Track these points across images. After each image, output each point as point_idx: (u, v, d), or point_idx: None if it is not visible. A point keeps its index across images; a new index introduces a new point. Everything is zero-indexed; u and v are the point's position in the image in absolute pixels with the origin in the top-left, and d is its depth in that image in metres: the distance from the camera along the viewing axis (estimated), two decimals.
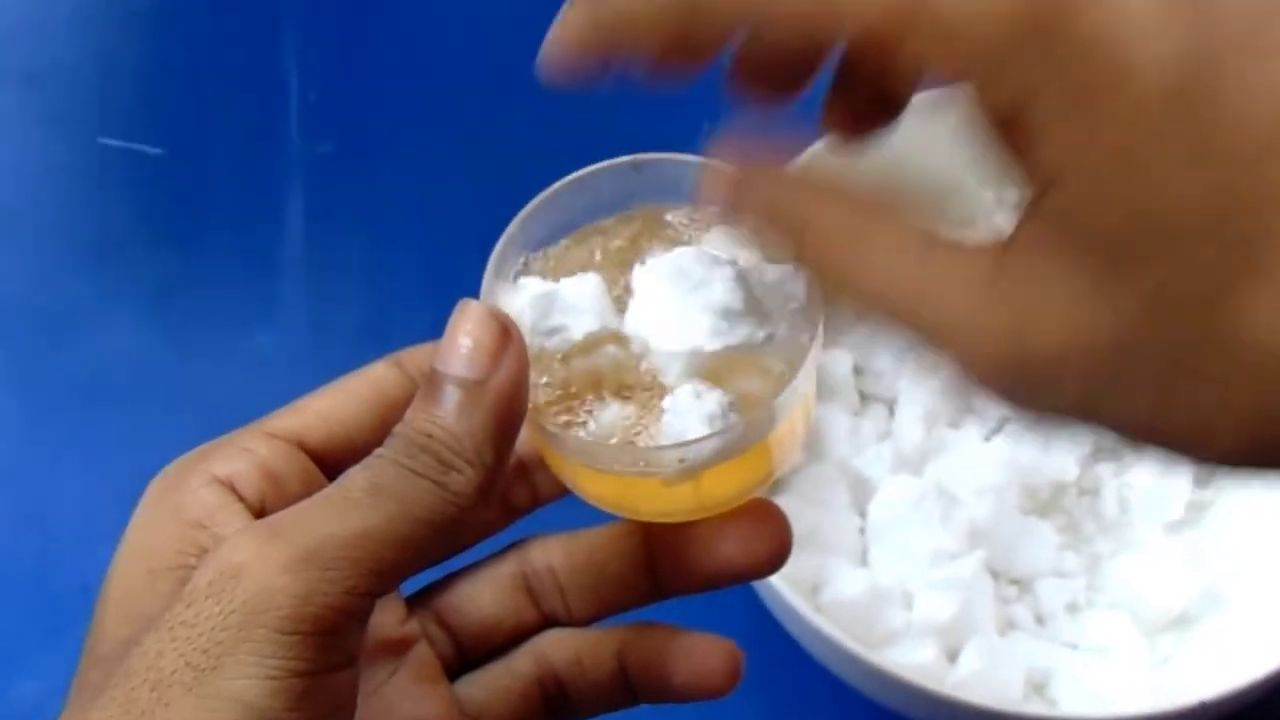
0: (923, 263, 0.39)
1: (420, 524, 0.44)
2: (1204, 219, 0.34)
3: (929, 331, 0.39)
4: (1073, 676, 0.81)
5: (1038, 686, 0.81)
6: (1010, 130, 0.38)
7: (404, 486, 0.44)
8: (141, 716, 0.41)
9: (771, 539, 0.52)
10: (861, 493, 0.85)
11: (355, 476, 0.44)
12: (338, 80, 1.07)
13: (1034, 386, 0.37)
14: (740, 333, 0.47)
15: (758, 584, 0.76)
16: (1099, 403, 0.37)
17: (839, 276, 0.41)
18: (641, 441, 0.48)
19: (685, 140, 0.50)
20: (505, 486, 0.54)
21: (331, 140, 1.04)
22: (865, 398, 0.89)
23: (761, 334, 0.48)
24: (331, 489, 0.44)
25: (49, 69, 1.09)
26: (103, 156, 1.05)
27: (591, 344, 0.49)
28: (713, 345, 0.47)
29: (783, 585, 0.73)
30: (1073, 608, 0.84)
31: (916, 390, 0.86)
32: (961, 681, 0.78)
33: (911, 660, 0.79)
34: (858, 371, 0.88)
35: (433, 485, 0.44)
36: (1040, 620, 0.83)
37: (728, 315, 0.47)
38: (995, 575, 0.84)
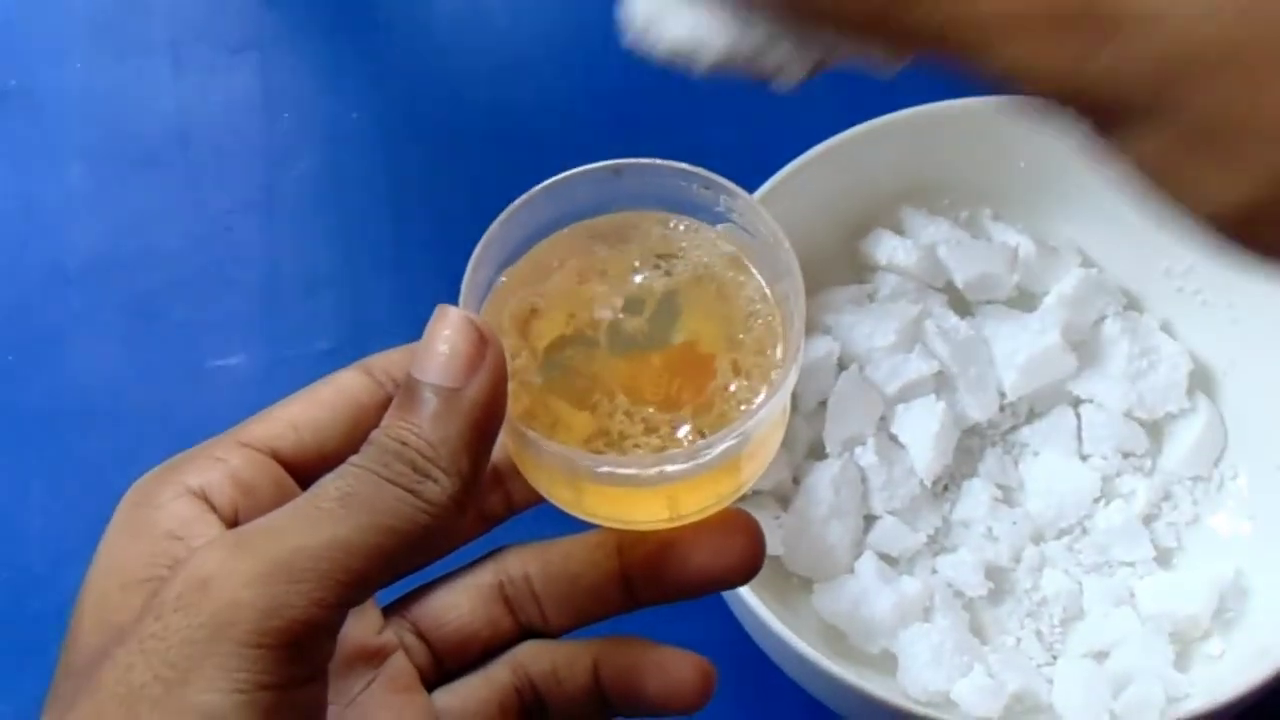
0: None
1: (393, 534, 0.43)
2: None
3: None
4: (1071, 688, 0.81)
5: (1029, 704, 0.81)
6: None
7: (377, 495, 0.44)
8: None
9: (744, 548, 0.52)
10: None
11: (327, 485, 0.44)
12: (308, 99, 1.07)
13: (1106, 43, 0.33)
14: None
15: (729, 597, 0.76)
16: (1178, 73, 0.33)
17: None
18: (616, 451, 0.48)
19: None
20: (480, 494, 0.54)
21: (303, 158, 1.04)
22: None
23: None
24: (302, 499, 0.44)
25: (16, 91, 1.09)
26: (68, 177, 1.05)
27: (563, 344, 0.49)
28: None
29: (752, 599, 0.73)
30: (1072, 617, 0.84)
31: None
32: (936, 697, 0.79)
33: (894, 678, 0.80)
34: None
35: (407, 494, 0.44)
36: (1040, 634, 0.84)
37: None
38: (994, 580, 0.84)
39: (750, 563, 0.52)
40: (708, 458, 0.47)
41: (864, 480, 0.85)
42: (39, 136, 1.07)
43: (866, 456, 0.85)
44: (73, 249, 1.02)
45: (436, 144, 1.06)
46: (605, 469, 0.48)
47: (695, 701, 0.53)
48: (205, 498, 0.48)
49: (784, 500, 0.85)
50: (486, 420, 0.45)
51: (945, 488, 0.87)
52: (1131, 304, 0.91)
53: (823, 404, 0.86)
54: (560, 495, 0.51)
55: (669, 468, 0.47)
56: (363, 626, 0.52)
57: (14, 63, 1.10)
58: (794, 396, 0.82)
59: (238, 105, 1.07)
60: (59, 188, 1.05)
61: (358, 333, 0.98)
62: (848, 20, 0.38)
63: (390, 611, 0.54)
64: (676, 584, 0.53)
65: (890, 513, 0.84)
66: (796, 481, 0.85)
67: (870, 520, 0.85)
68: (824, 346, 0.87)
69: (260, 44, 1.09)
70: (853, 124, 0.87)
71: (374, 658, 0.52)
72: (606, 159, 0.51)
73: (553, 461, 0.48)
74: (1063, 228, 0.92)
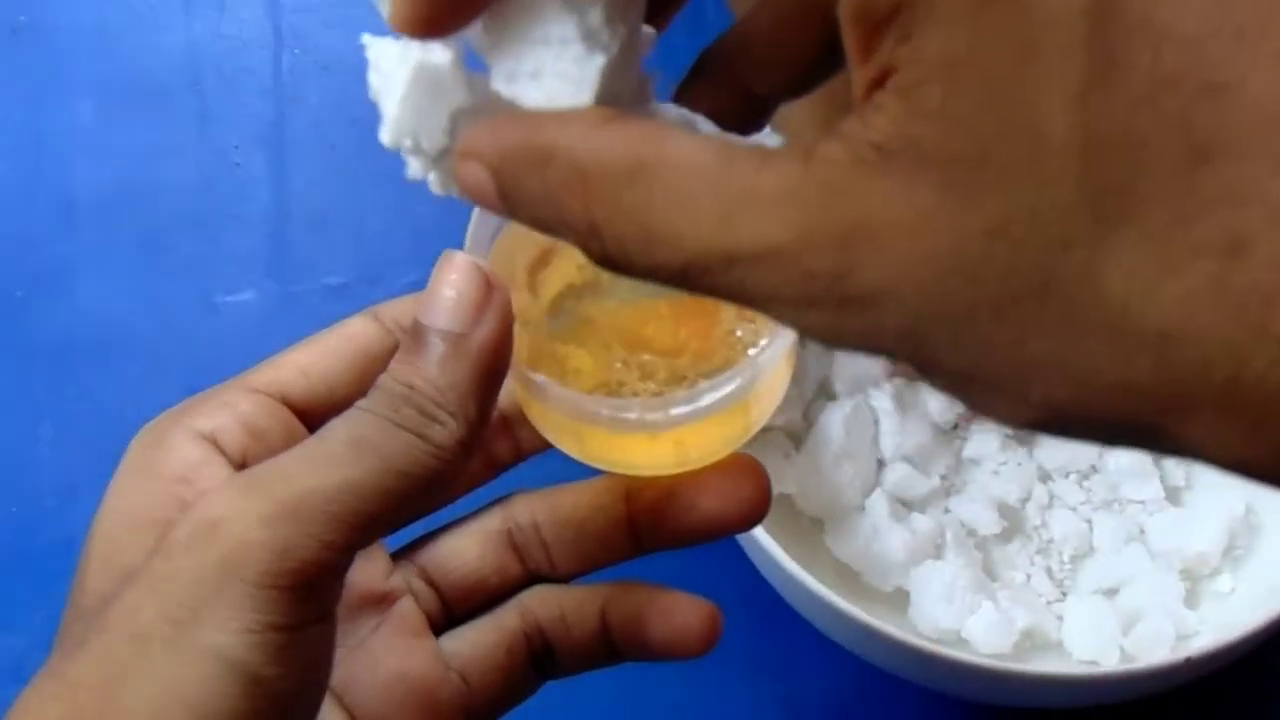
0: (720, 188, 0.35)
1: (401, 477, 0.44)
2: (1074, 154, 0.31)
3: (738, 270, 0.35)
4: (1081, 625, 0.81)
5: (1039, 641, 0.81)
6: (865, 27, 0.34)
7: (385, 439, 0.44)
8: (120, 670, 0.41)
9: (751, 493, 0.52)
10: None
11: (336, 429, 0.45)
12: (317, 37, 1.06)
13: (853, 316, 0.34)
14: None
15: (742, 538, 0.76)
16: (921, 338, 0.33)
17: (637, 259, 0.36)
18: (622, 394, 0.48)
19: None
20: (488, 440, 0.54)
21: (311, 94, 1.04)
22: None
23: None
24: (311, 441, 0.45)
25: (27, 26, 1.08)
26: (77, 112, 1.04)
27: (572, 291, 0.49)
28: None
29: (765, 538, 0.73)
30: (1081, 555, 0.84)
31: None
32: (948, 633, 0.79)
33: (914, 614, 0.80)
34: None
35: (414, 438, 0.44)
36: (1049, 571, 0.84)
37: None
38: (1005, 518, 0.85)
39: (757, 508, 0.53)
40: (712, 400, 0.47)
41: (876, 422, 0.85)
42: (49, 71, 1.07)
43: (880, 400, 0.85)
44: (82, 184, 1.02)
45: None
46: (611, 413, 0.48)
47: (701, 647, 0.53)
48: (214, 441, 0.48)
49: (796, 439, 0.85)
50: (493, 365, 0.45)
51: (955, 425, 0.86)
52: None
53: None
54: (567, 441, 0.51)
55: (674, 411, 0.47)
56: (371, 571, 0.52)
57: None
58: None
59: (247, 40, 1.07)
60: (68, 123, 1.04)
61: (367, 268, 0.98)
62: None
63: (398, 557, 0.54)
64: (683, 529, 0.53)
65: (904, 458, 0.84)
66: (808, 421, 0.85)
67: (882, 465, 0.85)
68: None
69: None
70: None
71: (382, 602, 0.52)
72: None
73: (559, 406, 0.49)
74: None
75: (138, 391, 0.93)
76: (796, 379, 0.85)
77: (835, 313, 0.34)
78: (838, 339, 0.35)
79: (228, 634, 0.41)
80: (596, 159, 0.36)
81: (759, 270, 0.34)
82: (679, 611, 0.53)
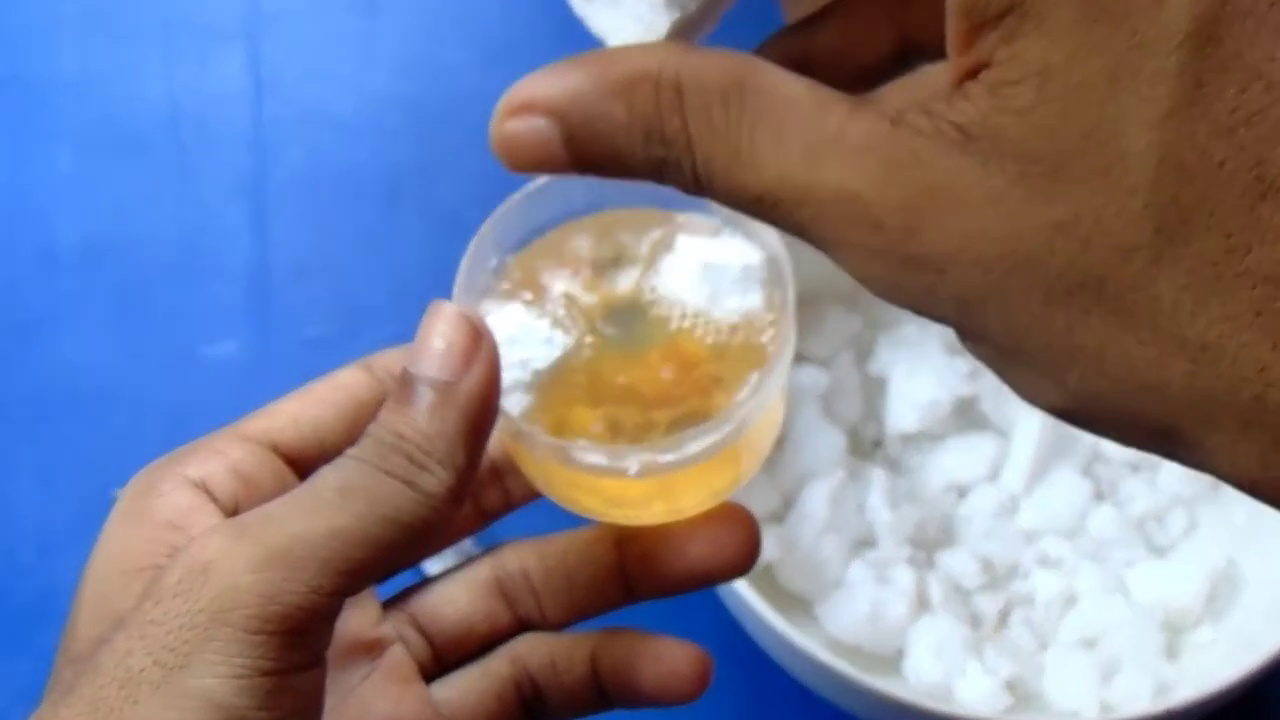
0: (809, 125, 0.37)
1: (390, 524, 0.44)
2: (1149, 171, 0.33)
3: (811, 207, 0.36)
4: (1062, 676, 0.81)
5: (1020, 692, 0.82)
6: (972, 21, 0.35)
7: (374, 487, 0.44)
8: (110, 715, 0.41)
9: (741, 541, 0.53)
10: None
11: (326, 476, 0.45)
12: (297, 90, 1.07)
13: (913, 275, 0.36)
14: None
15: (733, 604, 0.76)
16: (973, 308, 0.36)
17: (720, 178, 0.38)
18: (612, 443, 0.48)
19: None
20: (477, 490, 0.54)
21: (291, 146, 1.04)
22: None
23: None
24: (301, 489, 0.45)
25: (7, 78, 1.09)
26: (58, 162, 1.05)
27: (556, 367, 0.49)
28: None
29: (746, 592, 0.73)
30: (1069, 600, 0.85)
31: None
32: (936, 689, 0.79)
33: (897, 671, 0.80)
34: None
35: (403, 486, 0.44)
36: (1030, 622, 0.84)
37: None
38: (985, 571, 0.85)
39: (746, 555, 0.53)
40: (700, 448, 0.48)
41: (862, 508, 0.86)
42: (29, 122, 1.07)
43: (873, 470, 0.86)
44: (62, 234, 1.02)
45: (427, 131, 1.06)
46: (600, 461, 0.48)
47: (691, 691, 0.53)
48: (206, 489, 0.48)
49: (776, 518, 0.86)
50: (481, 413, 0.46)
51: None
52: None
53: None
54: (557, 490, 0.52)
55: (663, 459, 0.48)
56: (361, 619, 0.52)
57: (4, 48, 1.10)
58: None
59: (228, 92, 1.07)
60: (49, 173, 1.05)
61: (348, 320, 0.98)
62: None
63: (389, 606, 0.54)
64: (673, 577, 0.53)
65: (893, 525, 0.85)
66: (787, 499, 0.86)
67: (869, 536, 0.86)
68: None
69: (250, 31, 1.09)
70: None
71: (372, 650, 0.52)
72: None
73: (548, 455, 0.49)
74: None
75: (118, 443, 0.93)
76: (772, 470, 0.86)
77: (897, 268, 0.36)
78: (894, 294, 0.37)
79: (217, 678, 0.41)
80: (696, 76, 0.37)
81: (832, 211, 0.36)
82: (669, 656, 0.53)
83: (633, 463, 0.48)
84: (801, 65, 0.42)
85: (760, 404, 0.48)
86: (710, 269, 0.50)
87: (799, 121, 0.36)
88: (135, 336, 0.98)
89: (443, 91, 1.08)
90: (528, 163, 0.39)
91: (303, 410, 0.51)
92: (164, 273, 1.00)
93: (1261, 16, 0.32)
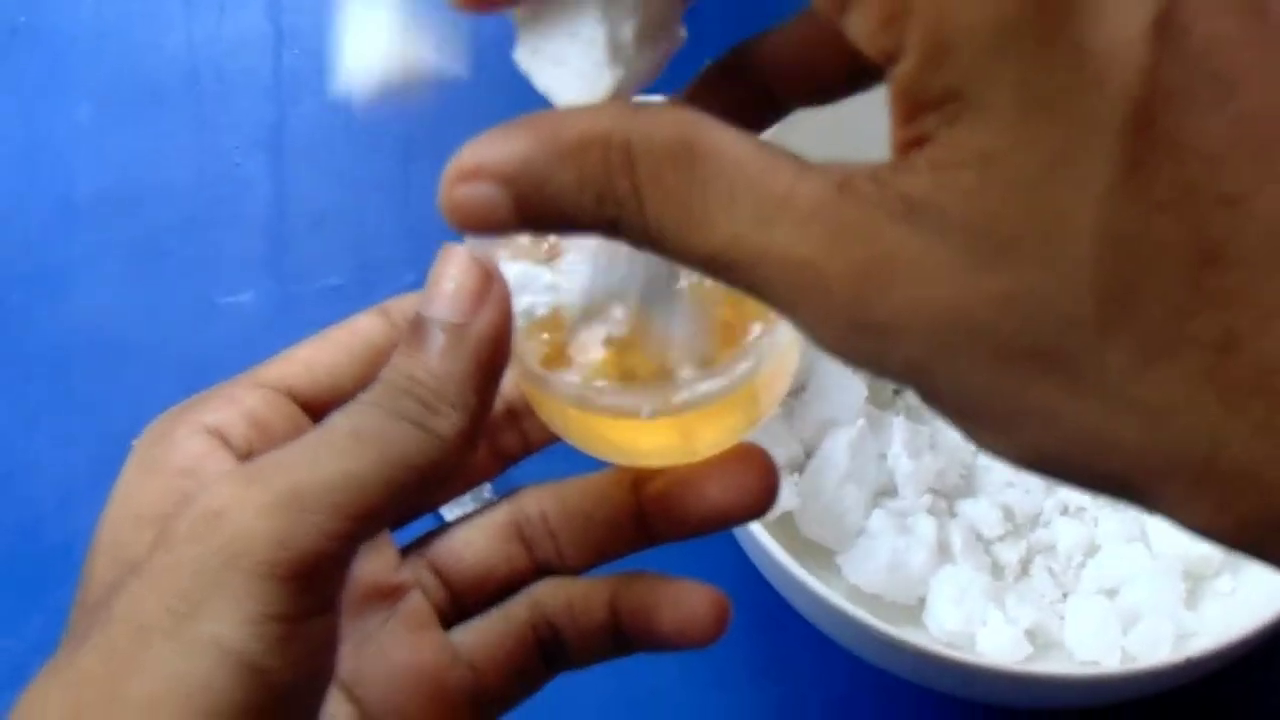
0: (758, 188, 0.37)
1: (402, 468, 0.44)
2: (1092, 247, 0.34)
3: (763, 269, 0.37)
4: (1083, 624, 0.81)
5: (1041, 641, 0.82)
6: (913, 102, 0.35)
7: (386, 430, 0.44)
8: (122, 661, 0.41)
9: (758, 481, 0.53)
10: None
11: (338, 420, 0.45)
12: (316, 38, 1.07)
13: (864, 340, 0.36)
14: None
15: (754, 553, 0.76)
16: (925, 371, 0.36)
17: (672, 238, 0.38)
18: (626, 385, 0.48)
19: None
20: (494, 433, 0.54)
21: (311, 96, 1.04)
22: None
23: None
24: (313, 434, 0.45)
25: (25, 28, 1.08)
26: (76, 113, 1.05)
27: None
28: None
29: (767, 540, 0.73)
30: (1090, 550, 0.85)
31: None
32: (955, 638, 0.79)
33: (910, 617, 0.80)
34: None
35: (415, 429, 0.44)
36: (1052, 571, 0.84)
37: None
38: (1007, 519, 0.85)
39: (764, 495, 0.53)
40: (716, 386, 0.48)
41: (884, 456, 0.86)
42: (48, 73, 1.07)
43: (894, 418, 0.86)
44: (81, 186, 1.02)
45: (445, 81, 1.06)
46: (616, 401, 0.48)
47: (710, 634, 0.53)
48: (220, 435, 0.49)
49: (797, 467, 0.86)
50: (493, 354, 0.46)
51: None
52: None
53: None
54: (574, 432, 0.51)
55: (678, 397, 0.47)
56: (379, 565, 0.53)
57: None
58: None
59: (247, 42, 1.07)
60: (67, 124, 1.05)
61: (366, 268, 0.98)
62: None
63: (407, 551, 0.54)
64: (691, 519, 0.53)
65: (913, 474, 0.85)
66: (807, 449, 0.86)
67: (890, 484, 0.86)
68: None
69: None
70: None
71: (391, 596, 0.53)
72: None
73: (564, 397, 0.49)
74: None
75: (137, 394, 0.93)
76: (792, 419, 0.85)
77: (847, 332, 0.36)
78: (847, 356, 0.37)
79: (228, 624, 0.41)
80: (645, 138, 0.38)
81: (784, 275, 0.36)
82: (688, 599, 0.53)
83: (646, 404, 0.47)
84: (768, 70, 0.45)
85: (773, 344, 0.48)
86: None
87: (748, 183, 0.36)
88: (154, 286, 0.98)
89: (461, 41, 1.08)
90: (477, 226, 0.40)
91: (318, 356, 0.51)
92: (182, 223, 1.00)
93: (1192, 94, 0.33)
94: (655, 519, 0.53)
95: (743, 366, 0.48)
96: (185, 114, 1.04)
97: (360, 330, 0.52)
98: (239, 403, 0.49)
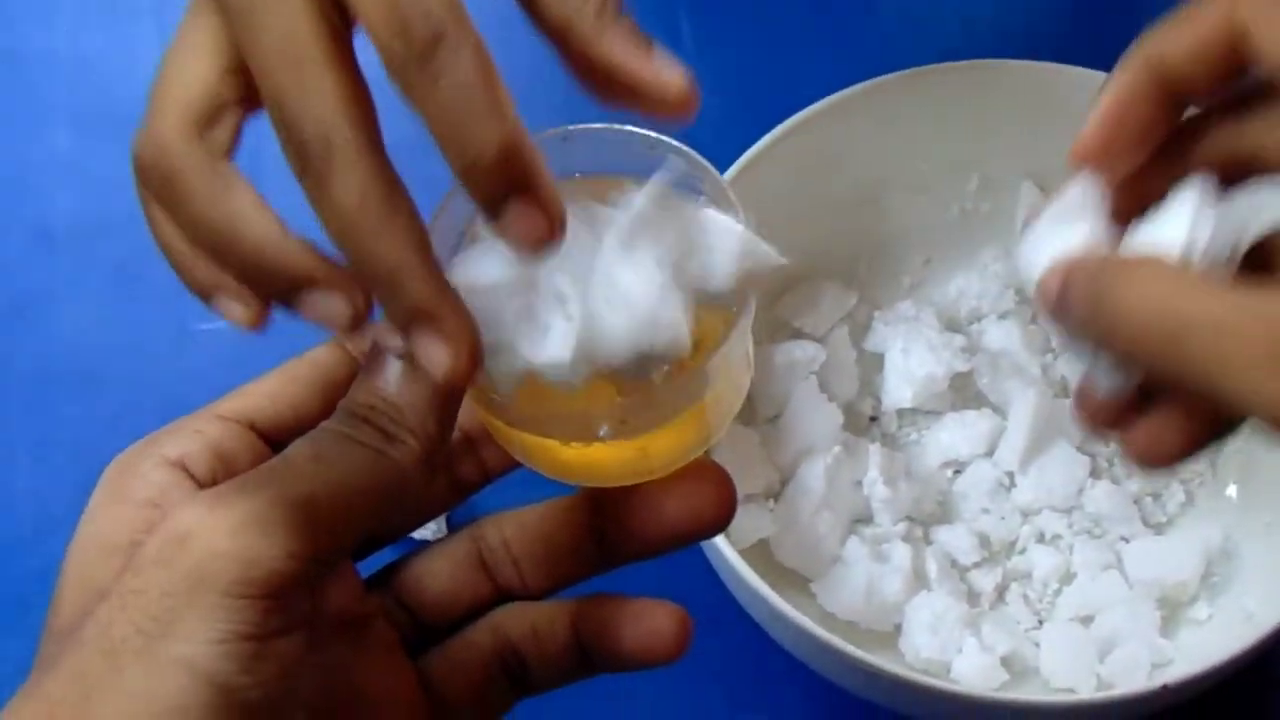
0: (1191, 294, 0.43)
1: (363, 492, 0.45)
2: None
3: (1209, 370, 0.42)
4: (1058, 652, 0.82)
5: (1017, 668, 0.82)
6: None
7: (346, 455, 0.45)
8: (93, 684, 0.42)
9: (714, 496, 0.53)
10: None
11: (300, 447, 0.46)
12: None
13: None
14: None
15: (721, 569, 0.76)
16: None
17: (1108, 313, 0.45)
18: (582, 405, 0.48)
19: None
20: (453, 462, 0.54)
21: None
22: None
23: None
24: (275, 459, 0.46)
25: (1, 55, 1.09)
26: (53, 140, 1.05)
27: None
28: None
29: (742, 567, 0.73)
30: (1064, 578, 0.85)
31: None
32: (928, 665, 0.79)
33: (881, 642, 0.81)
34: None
35: (375, 455, 0.45)
36: (1027, 599, 0.84)
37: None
38: (983, 546, 0.85)
39: (722, 510, 0.53)
40: (664, 408, 0.48)
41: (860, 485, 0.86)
42: (25, 99, 1.07)
43: (869, 446, 0.87)
44: (58, 212, 1.02)
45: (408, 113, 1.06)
46: (567, 422, 0.49)
47: (673, 650, 0.53)
48: (183, 466, 0.49)
49: (772, 495, 0.86)
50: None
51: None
52: None
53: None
54: (532, 456, 0.52)
55: (629, 420, 0.48)
56: (345, 595, 0.53)
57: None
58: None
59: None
60: (44, 151, 1.05)
61: None
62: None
63: (373, 582, 0.55)
64: (650, 537, 0.54)
65: (888, 500, 0.85)
66: (783, 476, 0.86)
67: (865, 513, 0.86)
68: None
69: None
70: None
71: (357, 625, 0.53)
72: (595, 118, 0.51)
73: (518, 420, 0.49)
74: None
75: (114, 419, 0.93)
76: (769, 446, 0.86)
77: None
78: None
79: (197, 644, 0.42)
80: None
81: None
82: (649, 616, 0.53)
83: (600, 425, 0.48)
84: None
85: (721, 361, 0.49)
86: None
87: None
88: (131, 314, 0.98)
89: None
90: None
91: (279, 388, 0.52)
92: (160, 250, 1.00)
93: None
94: (615, 539, 0.54)
95: (691, 386, 0.48)
96: None
97: (318, 361, 0.53)
98: (202, 435, 0.50)
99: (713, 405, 0.51)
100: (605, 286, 0.47)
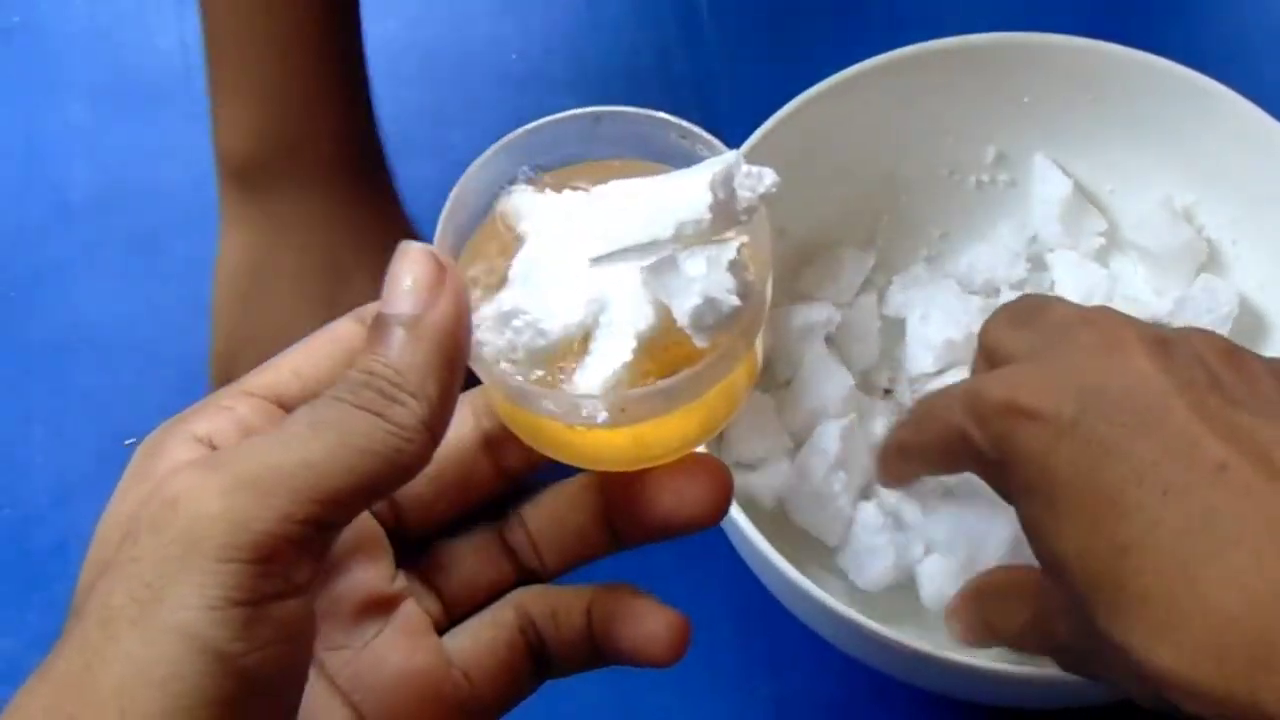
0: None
1: (362, 455, 0.45)
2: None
3: None
4: None
5: None
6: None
7: (345, 419, 0.45)
8: (94, 654, 0.42)
9: (709, 493, 0.54)
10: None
11: (300, 413, 0.46)
12: None
13: None
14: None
15: (738, 541, 0.76)
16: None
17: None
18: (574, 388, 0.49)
19: None
20: (497, 449, 0.54)
21: None
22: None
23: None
24: (275, 427, 0.46)
25: (19, 28, 1.09)
26: (71, 113, 1.05)
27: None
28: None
29: (755, 535, 0.73)
30: None
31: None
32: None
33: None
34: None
35: (375, 417, 0.45)
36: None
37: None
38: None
39: (716, 505, 0.54)
40: (666, 397, 0.48)
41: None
42: (42, 73, 1.08)
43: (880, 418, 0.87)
44: (76, 185, 1.03)
45: (439, 80, 1.06)
46: (566, 408, 0.49)
47: (666, 657, 0.54)
48: (210, 444, 0.49)
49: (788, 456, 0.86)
50: (451, 343, 0.47)
51: None
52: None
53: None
54: (536, 437, 0.53)
55: (629, 405, 0.48)
56: (376, 576, 0.53)
57: None
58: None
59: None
60: (62, 124, 1.05)
61: None
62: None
63: (402, 564, 0.54)
64: (648, 525, 0.54)
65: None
66: (796, 440, 0.86)
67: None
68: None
69: None
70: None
71: (387, 605, 0.53)
72: (613, 99, 0.51)
73: (519, 402, 0.50)
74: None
75: (134, 393, 0.94)
76: (782, 409, 0.86)
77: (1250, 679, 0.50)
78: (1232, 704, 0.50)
79: (191, 610, 0.41)
80: None
81: None
82: (649, 619, 0.54)
83: (600, 410, 0.48)
84: None
85: (727, 355, 0.49)
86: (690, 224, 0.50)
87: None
88: (150, 286, 0.99)
89: (456, 40, 1.08)
90: None
91: (303, 363, 0.52)
92: (178, 222, 1.01)
93: None
94: (619, 523, 0.55)
95: (694, 374, 0.48)
96: (180, 113, 1.04)
97: (338, 336, 0.53)
98: (230, 412, 0.50)
99: (714, 398, 0.51)
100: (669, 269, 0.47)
